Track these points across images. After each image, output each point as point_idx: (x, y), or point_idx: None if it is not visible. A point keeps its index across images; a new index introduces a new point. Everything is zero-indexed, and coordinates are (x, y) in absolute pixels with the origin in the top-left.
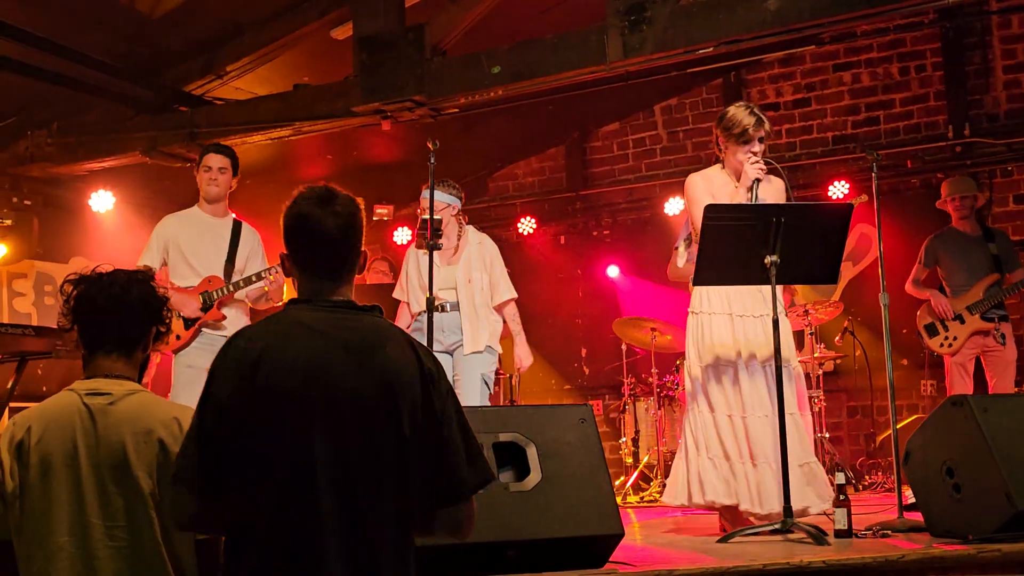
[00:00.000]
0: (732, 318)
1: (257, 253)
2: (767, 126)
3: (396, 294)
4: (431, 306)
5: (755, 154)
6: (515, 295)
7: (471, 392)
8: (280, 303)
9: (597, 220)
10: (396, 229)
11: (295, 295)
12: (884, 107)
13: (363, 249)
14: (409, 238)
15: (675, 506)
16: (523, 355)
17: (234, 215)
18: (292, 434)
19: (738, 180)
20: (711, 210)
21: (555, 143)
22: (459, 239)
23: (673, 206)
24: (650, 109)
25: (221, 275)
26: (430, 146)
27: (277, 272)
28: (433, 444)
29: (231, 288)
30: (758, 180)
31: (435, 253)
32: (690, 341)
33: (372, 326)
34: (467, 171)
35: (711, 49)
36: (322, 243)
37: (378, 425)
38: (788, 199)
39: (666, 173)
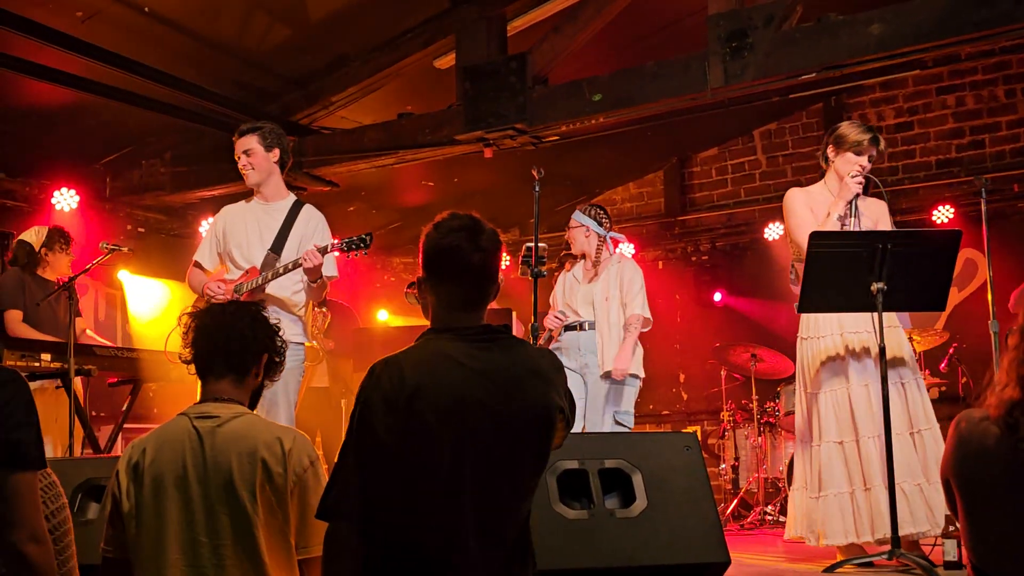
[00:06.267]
0: (843, 336)
1: (313, 239)
2: (881, 146)
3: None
4: (535, 332)
5: (861, 169)
6: (647, 315)
7: (598, 427)
8: (324, 295)
9: (696, 245)
10: None
11: (428, 317)
12: (989, 130)
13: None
14: (507, 264)
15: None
16: (621, 359)
17: (295, 198)
18: (445, 463)
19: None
20: (817, 237)
21: (653, 168)
22: (598, 259)
23: (773, 231)
24: (749, 134)
25: (259, 265)
26: (535, 174)
27: (312, 252)
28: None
29: (260, 280)
30: (857, 195)
31: (579, 273)
32: (799, 369)
33: (513, 355)
34: (565, 197)
35: (813, 75)
36: (466, 278)
37: (522, 458)
38: (889, 223)
39: (765, 198)
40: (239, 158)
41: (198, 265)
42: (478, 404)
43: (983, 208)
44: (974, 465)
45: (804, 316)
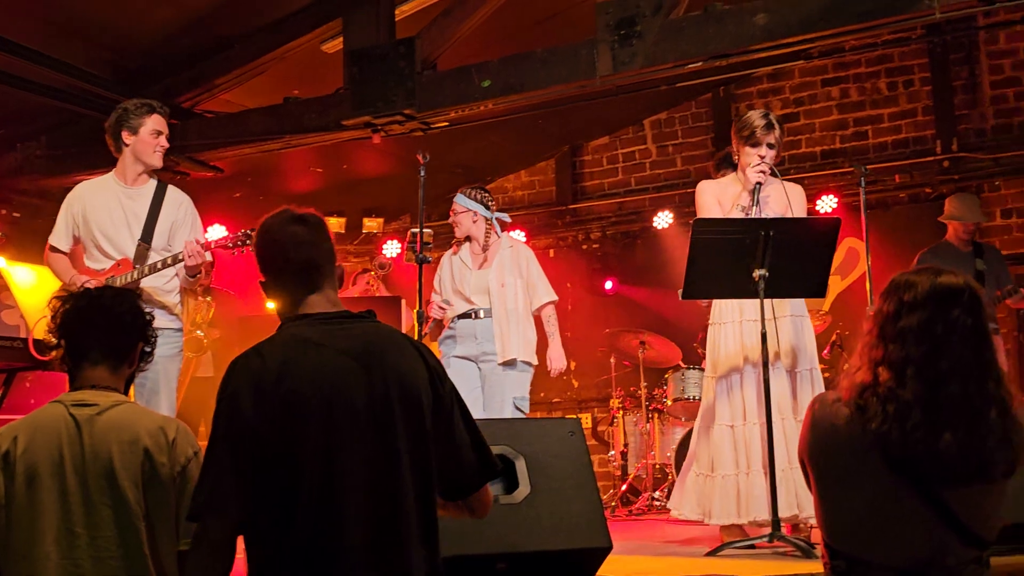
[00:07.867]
0: (742, 324)
1: (184, 225)
2: (777, 132)
3: (433, 299)
4: (420, 318)
5: (761, 158)
6: (555, 298)
7: (498, 414)
8: (207, 282)
9: (587, 234)
10: (385, 243)
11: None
12: (872, 122)
13: (338, 264)
14: (399, 251)
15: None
16: (555, 357)
17: (157, 180)
18: (318, 446)
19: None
20: (700, 224)
21: (545, 157)
22: (487, 243)
23: (662, 220)
24: (640, 123)
25: (132, 257)
26: (420, 159)
27: (196, 249)
28: (444, 444)
29: (136, 275)
30: (760, 184)
31: (467, 257)
32: (707, 354)
33: (373, 333)
34: (456, 184)
35: (700, 64)
36: (295, 254)
37: (397, 430)
38: (801, 209)
39: (655, 187)
40: (159, 134)
41: (55, 249)
42: (343, 382)
43: (862, 197)
44: (825, 446)
45: (714, 302)
